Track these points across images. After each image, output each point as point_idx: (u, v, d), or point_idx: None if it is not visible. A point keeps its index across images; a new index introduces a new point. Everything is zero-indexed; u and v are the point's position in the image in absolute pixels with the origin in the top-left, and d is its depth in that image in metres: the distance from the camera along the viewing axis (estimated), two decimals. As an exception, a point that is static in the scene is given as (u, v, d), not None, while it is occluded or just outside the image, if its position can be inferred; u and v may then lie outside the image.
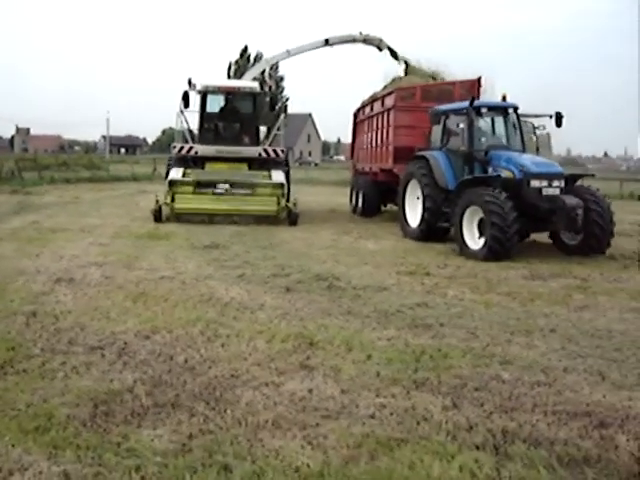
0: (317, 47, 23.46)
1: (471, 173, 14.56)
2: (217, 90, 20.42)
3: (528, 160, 14.00)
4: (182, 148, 19.37)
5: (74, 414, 4.84)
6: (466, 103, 14.97)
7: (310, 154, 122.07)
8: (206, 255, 11.95)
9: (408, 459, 4.32)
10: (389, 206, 21.79)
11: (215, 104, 20.40)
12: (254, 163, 19.50)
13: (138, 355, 6.24)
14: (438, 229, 15.15)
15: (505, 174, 13.66)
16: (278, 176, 18.55)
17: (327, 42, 23.43)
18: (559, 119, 15.24)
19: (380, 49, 24.22)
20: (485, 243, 12.78)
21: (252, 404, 5.15)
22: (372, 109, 21.48)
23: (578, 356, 6.69)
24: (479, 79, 18.53)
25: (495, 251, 12.60)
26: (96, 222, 17.05)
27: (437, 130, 15.95)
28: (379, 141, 20.21)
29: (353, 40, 23.90)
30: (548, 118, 15.39)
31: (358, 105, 24.21)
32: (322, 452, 4.40)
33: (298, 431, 4.72)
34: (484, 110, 15.14)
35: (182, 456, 4.28)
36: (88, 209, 21.06)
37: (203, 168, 19.08)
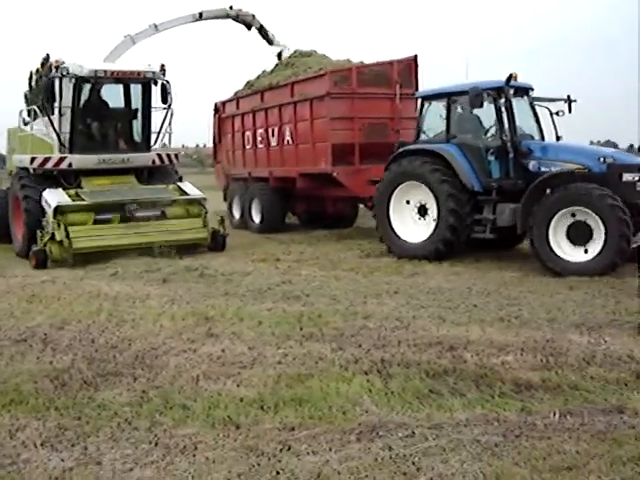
0: (189, 21, 19.95)
1: (503, 170, 11.98)
2: (108, 77, 14.67)
3: (605, 150, 12.07)
4: (47, 159, 14.14)
5: (38, 387, 5.78)
6: (500, 81, 11.99)
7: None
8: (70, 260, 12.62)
9: (318, 385, 5.67)
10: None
11: (91, 97, 14.83)
12: (142, 174, 15.17)
13: (61, 342, 7.13)
14: (469, 242, 12.37)
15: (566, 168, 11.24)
16: (192, 189, 14.67)
17: (201, 16, 19.98)
18: (570, 104, 12.73)
19: (249, 27, 21.06)
20: (598, 255, 10.35)
21: (180, 365, 6.29)
22: (263, 99, 18.04)
23: (421, 307, 8.42)
24: (415, 58, 15.88)
25: (616, 266, 10.28)
26: None
27: (434, 117, 13.07)
28: (291, 138, 16.75)
29: (226, 15, 20.68)
30: (563, 102, 12.74)
31: (225, 97, 20.50)
32: (252, 388, 5.68)
33: (226, 379, 5.92)
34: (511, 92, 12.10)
35: (146, 404, 5.41)
36: None
37: (79, 186, 14.15)
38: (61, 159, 14.13)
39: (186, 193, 14.42)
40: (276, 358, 6.42)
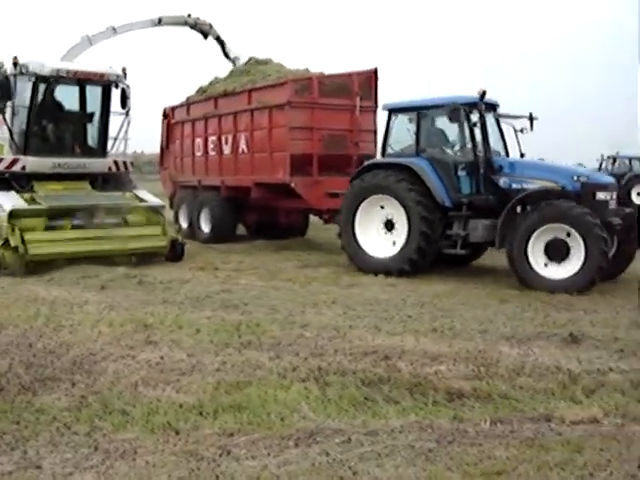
0: (148, 26, 19.26)
1: (473, 186, 11.95)
2: (70, 77, 14.08)
3: (578, 169, 12.50)
4: None
5: (-25, 391, 5.77)
6: (473, 97, 11.94)
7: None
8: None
9: (257, 392, 5.77)
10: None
11: (46, 97, 14.01)
12: (96, 181, 14.57)
13: (-2, 346, 7.11)
14: (440, 257, 12.29)
15: (539, 186, 11.30)
16: (149, 197, 14.31)
17: (160, 21, 19.35)
18: (532, 121, 12.77)
19: (205, 36, 20.43)
20: (579, 272, 10.39)
21: (119, 372, 6.32)
22: (216, 106, 17.51)
23: (357, 317, 8.60)
24: (375, 71, 15.78)
25: (594, 283, 10.45)
26: None
27: (398, 130, 12.90)
28: (246, 147, 16.36)
29: (184, 22, 20.03)
30: (527, 120, 12.79)
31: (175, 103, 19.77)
32: (191, 394, 5.75)
33: (165, 385, 5.98)
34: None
35: (85, 409, 5.43)
36: None
37: (32, 190, 13.42)
38: (14, 161, 13.44)
39: (144, 200, 13.99)
40: (215, 365, 6.50)
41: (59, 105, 14.42)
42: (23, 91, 13.50)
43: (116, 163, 14.66)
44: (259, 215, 17.63)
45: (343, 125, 15.40)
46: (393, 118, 12.87)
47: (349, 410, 5.41)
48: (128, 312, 8.66)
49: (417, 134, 12.35)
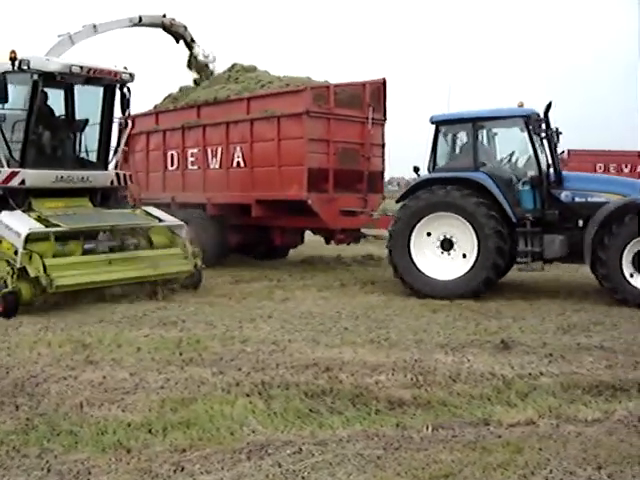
0: (127, 25, 17.48)
1: (536, 200, 11.51)
2: (83, 74, 12.07)
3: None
4: None
5: None
6: (531, 109, 11.70)
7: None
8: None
9: (203, 408, 5.85)
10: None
11: (39, 100, 11.84)
12: (95, 196, 12.78)
13: None
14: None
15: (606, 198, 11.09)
16: (163, 214, 12.66)
17: (140, 20, 17.56)
18: (557, 136, 12.23)
19: (177, 40, 18.72)
20: None
21: (62, 393, 6.31)
22: (199, 115, 16.03)
23: (295, 331, 8.77)
24: (384, 81, 15.07)
25: None
26: None
27: (455, 143, 12.42)
28: (243, 160, 14.95)
29: (161, 23, 18.28)
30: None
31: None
32: (138, 413, 5.79)
33: (110, 404, 6.00)
34: None
35: (32, 431, 5.40)
36: None
37: (30, 208, 11.50)
38: (12, 174, 11.47)
39: (161, 219, 12.45)
40: (158, 383, 6.56)
41: (48, 109, 12.60)
42: (20, 91, 11.84)
43: (118, 176, 13.06)
44: (247, 235, 16.06)
45: (356, 138, 14.77)
46: (441, 131, 12.27)
47: (295, 422, 5.53)
48: (65, 332, 8.61)
49: (474, 147, 11.80)
